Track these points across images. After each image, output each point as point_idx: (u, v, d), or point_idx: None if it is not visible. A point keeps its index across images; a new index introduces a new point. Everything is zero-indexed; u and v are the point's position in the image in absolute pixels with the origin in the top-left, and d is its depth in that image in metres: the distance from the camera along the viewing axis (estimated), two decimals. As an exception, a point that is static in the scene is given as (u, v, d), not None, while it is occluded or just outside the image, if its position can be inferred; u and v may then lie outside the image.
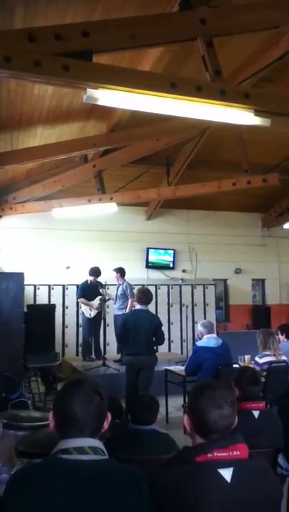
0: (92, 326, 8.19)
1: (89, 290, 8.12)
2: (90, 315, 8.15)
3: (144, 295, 5.75)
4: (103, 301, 7.96)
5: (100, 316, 8.04)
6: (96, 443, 1.45)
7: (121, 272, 8.19)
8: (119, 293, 8.11)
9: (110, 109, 5.55)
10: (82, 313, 8.35)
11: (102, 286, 8.03)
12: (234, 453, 1.50)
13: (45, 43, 3.37)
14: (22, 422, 2.71)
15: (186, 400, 1.75)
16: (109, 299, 8.20)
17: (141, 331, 5.47)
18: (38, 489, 1.36)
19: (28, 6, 3.64)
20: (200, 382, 1.80)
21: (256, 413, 2.72)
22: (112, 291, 8.24)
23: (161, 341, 5.79)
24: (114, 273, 8.17)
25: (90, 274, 8.14)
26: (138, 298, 5.78)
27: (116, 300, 8.16)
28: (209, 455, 1.49)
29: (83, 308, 8.26)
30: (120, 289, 8.13)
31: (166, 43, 4.21)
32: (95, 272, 8.12)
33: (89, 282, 8.17)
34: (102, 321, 7.91)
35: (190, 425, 1.63)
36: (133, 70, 4.18)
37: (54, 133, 6.38)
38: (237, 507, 1.46)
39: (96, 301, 8.05)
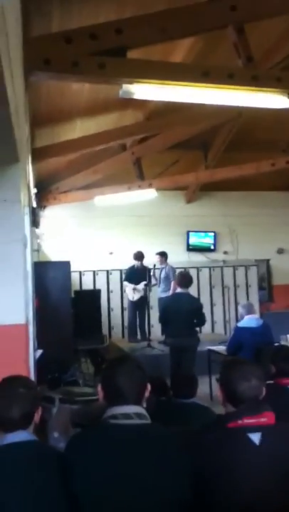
0: (136, 308, 8.46)
1: (135, 274, 8.36)
2: (132, 298, 8.42)
3: (184, 278, 5.95)
4: (148, 286, 8.16)
5: (144, 299, 8.29)
6: (139, 409, 1.67)
7: (164, 255, 8.41)
8: (162, 276, 8.33)
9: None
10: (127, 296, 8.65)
11: (149, 271, 8.22)
12: (262, 420, 1.70)
13: (81, 43, 3.55)
14: (76, 396, 2.99)
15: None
16: (155, 284, 8.40)
17: (182, 314, 5.67)
18: (94, 448, 1.61)
19: (63, 9, 3.82)
20: (231, 358, 2.00)
21: (292, 388, 2.87)
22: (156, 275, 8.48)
23: (202, 323, 5.98)
24: (158, 257, 8.39)
25: (135, 259, 8.40)
26: (178, 281, 5.99)
27: (160, 283, 8.37)
28: (239, 421, 1.69)
29: (127, 291, 8.54)
30: (163, 272, 8.35)
31: (197, 33, 4.30)
32: (138, 256, 8.37)
33: (135, 267, 8.43)
34: (147, 304, 8.16)
35: (222, 395, 1.85)
36: (165, 63, 4.30)
37: (93, 124, 6.58)
38: (265, 467, 1.66)
39: (140, 286, 8.28)
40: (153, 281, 8.23)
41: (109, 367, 1.78)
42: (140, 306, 8.42)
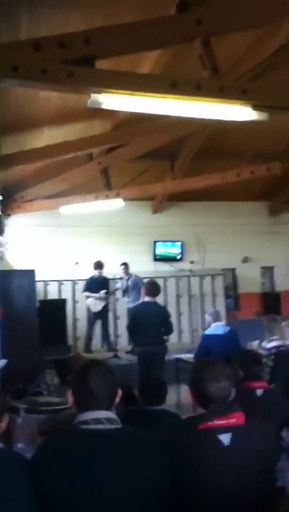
0: (98, 319, 8.40)
1: (94, 284, 8.32)
2: (96, 309, 8.31)
3: (152, 287, 5.99)
4: (108, 294, 8.16)
5: (105, 308, 8.24)
6: (110, 414, 1.66)
7: (127, 265, 8.45)
8: (130, 285, 8.33)
9: (114, 108, 5.74)
10: (88, 308, 8.54)
11: (108, 281, 8.27)
12: (231, 420, 1.72)
13: (49, 51, 3.55)
14: (42, 406, 2.94)
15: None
16: (116, 290, 8.39)
17: (150, 322, 5.69)
18: (64, 454, 1.58)
19: (32, 17, 3.83)
20: (200, 360, 2.03)
21: (259, 391, 2.93)
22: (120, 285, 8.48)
23: (169, 331, 6.02)
24: (122, 267, 8.45)
25: (94, 268, 8.38)
26: (146, 290, 6.02)
27: (128, 293, 8.36)
28: (209, 423, 1.71)
29: (89, 302, 8.41)
30: (130, 281, 8.35)
31: (165, 45, 4.39)
32: (98, 265, 8.35)
33: (95, 277, 8.38)
34: (111, 314, 8.13)
35: (192, 397, 1.87)
36: (134, 74, 4.36)
37: (60, 133, 6.57)
38: (235, 467, 1.68)
39: (101, 293, 8.20)
40: (118, 285, 8.20)
41: (80, 371, 1.76)
42: (103, 315, 8.37)
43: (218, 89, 4.03)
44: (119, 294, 8.59)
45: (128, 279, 8.42)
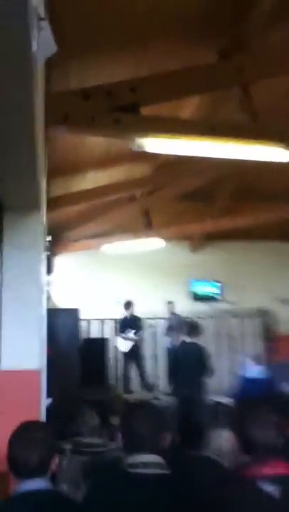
0: (131, 360, 8.28)
1: (128, 324, 8.28)
2: (125, 348, 8.23)
3: (193, 328, 5.92)
4: (137, 334, 8.10)
5: (136, 348, 8.14)
6: (158, 459, 1.64)
7: (172, 304, 8.39)
8: (174, 325, 8.25)
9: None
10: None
11: (140, 319, 8.22)
12: (279, 470, 1.63)
13: (98, 99, 3.75)
14: (85, 447, 2.91)
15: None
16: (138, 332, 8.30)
17: (191, 364, 5.59)
18: (113, 496, 1.57)
19: (82, 67, 4.06)
20: (245, 402, 1.95)
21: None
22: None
23: (210, 373, 5.89)
24: (168, 306, 8.41)
25: (125, 309, 8.37)
26: (187, 330, 5.95)
27: (170, 333, 8.27)
28: (257, 472, 1.62)
29: (118, 341, 8.35)
30: (174, 320, 8.29)
31: (206, 92, 4.55)
32: (128, 304, 8.35)
33: (128, 317, 8.36)
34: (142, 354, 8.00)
35: (236, 443, 1.77)
36: (175, 119, 4.51)
37: (104, 176, 6.79)
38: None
39: (130, 334, 8.15)
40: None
41: (128, 412, 1.76)
42: (135, 356, 8.25)
43: (256, 132, 4.14)
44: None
45: (171, 319, 8.38)
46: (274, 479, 1.62)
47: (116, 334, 8.42)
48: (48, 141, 4.18)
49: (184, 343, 6.09)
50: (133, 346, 8.18)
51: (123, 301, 9.00)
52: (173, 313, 8.39)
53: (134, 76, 4.06)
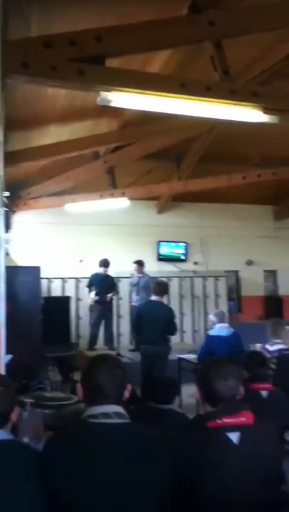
0: (102, 317, 8.40)
1: (97, 281, 8.35)
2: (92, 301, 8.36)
3: (159, 287, 6.00)
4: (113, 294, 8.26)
5: (110, 307, 8.30)
6: (119, 409, 1.67)
7: (142, 264, 8.49)
8: (141, 285, 8.34)
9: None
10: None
11: (113, 279, 8.34)
12: (241, 419, 1.73)
13: (60, 48, 3.57)
14: (47, 401, 2.95)
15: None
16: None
17: (155, 322, 5.69)
18: (73, 446, 1.59)
19: (44, 14, 3.83)
20: (209, 359, 2.03)
21: (264, 393, 2.93)
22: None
23: (174, 332, 6.02)
24: (135, 265, 8.49)
25: (100, 266, 8.40)
26: (153, 289, 6.02)
27: (138, 292, 8.37)
28: (218, 421, 1.71)
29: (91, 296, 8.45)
30: (142, 281, 8.36)
31: (175, 46, 4.40)
32: (104, 263, 8.37)
33: (99, 274, 8.40)
34: (114, 313, 8.16)
35: (200, 395, 1.87)
36: (144, 73, 4.36)
37: (67, 131, 6.57)
38: (245, 467, 1.68)
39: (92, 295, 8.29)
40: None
41: (90, 365, 1.77)
42: (107, 314, 8.38)
43: (229, 91, 4.05)
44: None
45: (140, 279, 8.42)
46: (234, 428, 1.71)
47: (90, 290, 8.45)
48: (6, 91, 3.97)
49: (149, 301, 6.17)
50: (104, 305, 8.25)
51: (85, 260, 9.00)
52: (140, 272, 8.43)
53: (100, 25, 3.87)
